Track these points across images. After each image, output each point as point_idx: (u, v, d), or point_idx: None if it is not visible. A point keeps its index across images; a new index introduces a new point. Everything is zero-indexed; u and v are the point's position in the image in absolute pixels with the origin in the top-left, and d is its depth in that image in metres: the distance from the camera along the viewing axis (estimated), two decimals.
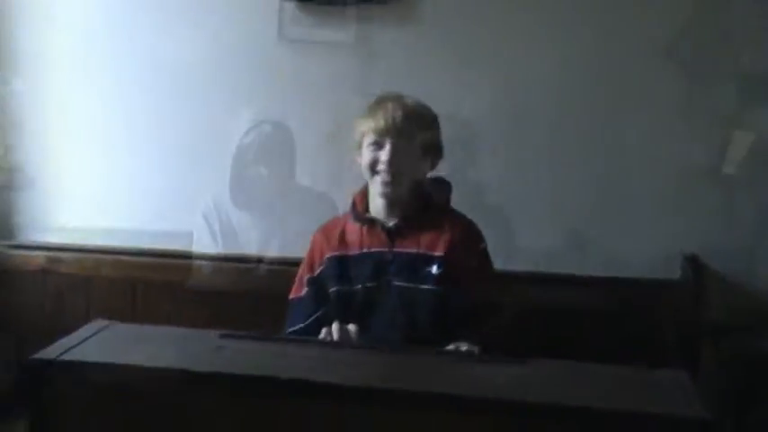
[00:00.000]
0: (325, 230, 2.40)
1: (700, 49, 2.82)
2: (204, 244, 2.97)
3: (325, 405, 1.65)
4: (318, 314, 2.31)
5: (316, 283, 2.34)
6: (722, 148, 2.81)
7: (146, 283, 2.99)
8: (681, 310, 2.65)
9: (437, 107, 2.43)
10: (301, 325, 2.32)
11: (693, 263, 2.66)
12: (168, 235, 3.01)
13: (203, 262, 2.93)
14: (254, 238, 2.98)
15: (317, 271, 2.34)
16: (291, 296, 2.39)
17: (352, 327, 2.14)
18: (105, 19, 3.08)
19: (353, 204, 2.39)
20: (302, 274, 2.39)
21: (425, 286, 2.25)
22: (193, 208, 2.98)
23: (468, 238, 2.32)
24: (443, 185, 2.40)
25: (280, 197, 2.95)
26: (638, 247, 2.78)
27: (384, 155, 2.25)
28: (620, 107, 2.87)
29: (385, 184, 2.26)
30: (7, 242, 3.10)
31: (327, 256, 2.33)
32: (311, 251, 2.40)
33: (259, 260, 2.90)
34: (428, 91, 2.55)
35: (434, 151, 2.34)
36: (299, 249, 2.49)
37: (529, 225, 2.83)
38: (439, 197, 2.37)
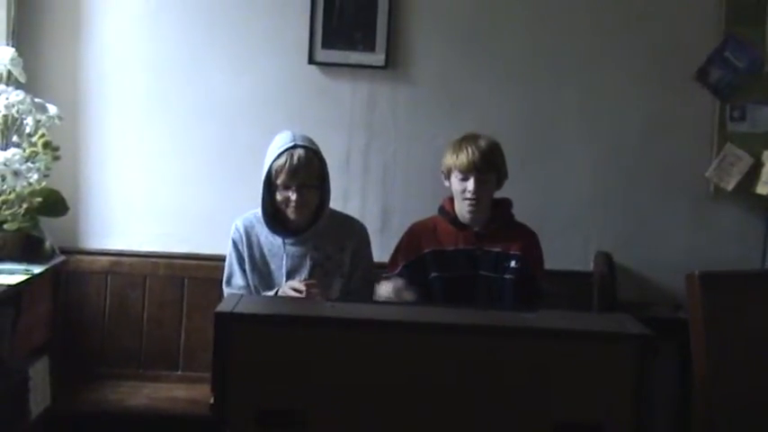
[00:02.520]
0: (422, 227, 3.16)
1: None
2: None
3: (426, 337, 2.37)
4: None
5: (410, 269, 3.07)
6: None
7: (191, 279, 3.66)
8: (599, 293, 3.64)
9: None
10: None
11: (607, 258, 3.64)
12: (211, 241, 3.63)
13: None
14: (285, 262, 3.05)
15: (412, 258, 3.09)
16: (386, 275, 3.08)
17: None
18: (150, 50, 3.67)
19: (445, 211, 3.14)
20: (397, 259, 3.12)
21: (507, 276, 3.06)
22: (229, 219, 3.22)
23: (534, 242, 3.16)
24: (508, 202, 3.20)
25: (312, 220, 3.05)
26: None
27: (470, 185, 3.05)
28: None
29: (471, 206, 3.07)
30: (74, 248, 3.65)
31: (427, 250, 3.08)
32: (407, 242, 3.15)
33: None
34: (414, 132, 3.53)
35: (502, 176, 3.14)
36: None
37: None
38: (506, 211, 3.19)
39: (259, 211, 3.06)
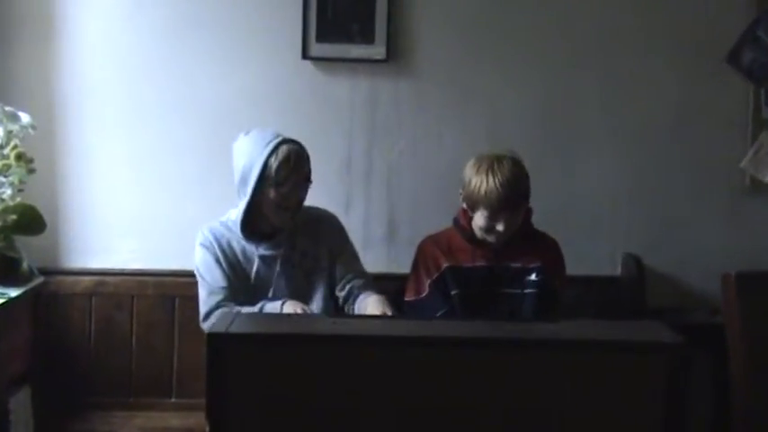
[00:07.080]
0: (436, 242, 3.00)
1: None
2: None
3: (441, 353, 2.23)
4: (445, 311, 2.89)
5: (437, 286, 2.92)
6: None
7: (182, 298, 3.45)
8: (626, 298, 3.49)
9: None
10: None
11: (635, 260, 3.48)
12: None
13: None
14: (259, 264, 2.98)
15: (435, 276, 2.93)
16: (410, 298, 2.96)
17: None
18: (134, 48, 3.49)
19: (460, 226, 2.97)
20: (420, 277, 2.96)
21: (528, 290, 2.92)
22: None
23: (555, 251, 3.01)
24: (528, 212, 2.99)
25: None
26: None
27: (499, 227, 2.86)
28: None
29: (498, 240, 2.90)
30: (54, 268, 3.48)
31: (446, 265, 2.93)
32: (425, 258, 2.98)
33: None
34: (421, 130, 3.40)
35: (528, 197, 2.94)
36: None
37: None
38: (526, 222, 2.99)
39: (226, 217, 3.01)
